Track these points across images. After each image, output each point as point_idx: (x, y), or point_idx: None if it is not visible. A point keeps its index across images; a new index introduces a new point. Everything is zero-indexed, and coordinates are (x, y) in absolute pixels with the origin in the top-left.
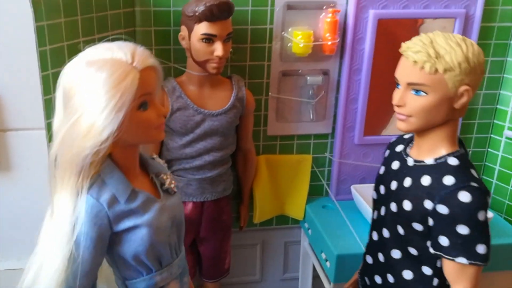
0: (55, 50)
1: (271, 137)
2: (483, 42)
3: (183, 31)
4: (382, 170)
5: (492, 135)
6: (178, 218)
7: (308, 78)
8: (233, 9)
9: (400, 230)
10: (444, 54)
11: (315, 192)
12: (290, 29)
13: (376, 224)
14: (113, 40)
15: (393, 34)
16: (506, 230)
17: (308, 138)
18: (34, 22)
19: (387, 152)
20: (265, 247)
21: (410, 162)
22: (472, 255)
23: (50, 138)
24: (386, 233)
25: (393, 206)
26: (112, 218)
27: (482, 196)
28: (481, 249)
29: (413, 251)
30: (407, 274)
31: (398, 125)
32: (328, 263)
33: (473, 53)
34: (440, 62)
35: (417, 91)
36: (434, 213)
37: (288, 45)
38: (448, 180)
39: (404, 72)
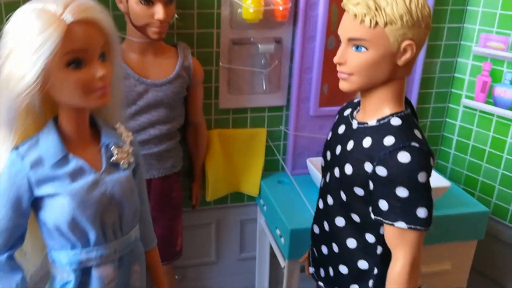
0: None
1: (223, 111)
2: (440, 8)
3: None
4: (329, 135)
5: (449, 105)
6: (119, 195)
7: (260, 46)
8: None
9: (343, 196)
10: (385, 6)
11: (271, 167)
12: None
13: (322, 192)
14: None
15: None
16: (464, 200)
17: (262, 111)
18: None
19: (336, 117)
20: (220, 226)
21: (354, 124)
22: (411, 219)
23: None
24: (330, 200)
25: (336, 171)
26: (34, 180)
27: (423, 156)
28: (421, 212)
29: (356, 218)
30: (351, 243)
31: (340, 85)
32: (282, 239)
33: (417, 5)
34: (380, 14)
35: (357, 47)
36: (373, 175)
37: (238, 11)
38: (388, 140)
39: (344, 27)
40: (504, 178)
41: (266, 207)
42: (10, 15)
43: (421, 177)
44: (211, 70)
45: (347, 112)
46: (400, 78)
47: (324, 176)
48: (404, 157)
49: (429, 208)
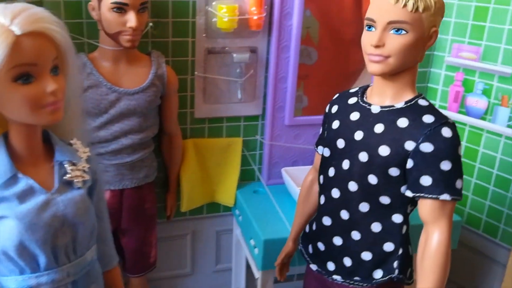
0: None
1: (198, 120)
2: None
3: (93, 0)
4: (336, 124)
5: None
6: (72, 216)
7: (234, 55)
8: None
9: (373, 180)
10: None
11: (246, 177)
12: (214, 3)
13: (337, 181)
14: None
15: (323, 8)
16: None
17: (238, 120)
18: None
19: (335, 107)
20: (196, 237)
21: (375, 109)
22: (453, 191)
23: None
24: (353, 186)
25: (363, 156)
26: None
27: (457, 131)
28: (459, 184)
29: (385, 200)
30: (376, 227)
31: (372, 68)
32: (256, 250)
33: None
34: (421, 0)
35: (397, 30)
36: (416, 153)
37: (213, 20)
38: (428, 118)
39: (383, 11)
40: (476, 187)
41: (242, 217)
42: None
43: (460, 150)
44: (186, 79)
45: (351, 100)
46: (416, 64)
47: (334, 165)
48: (447, 132)
49: (462, 179)
